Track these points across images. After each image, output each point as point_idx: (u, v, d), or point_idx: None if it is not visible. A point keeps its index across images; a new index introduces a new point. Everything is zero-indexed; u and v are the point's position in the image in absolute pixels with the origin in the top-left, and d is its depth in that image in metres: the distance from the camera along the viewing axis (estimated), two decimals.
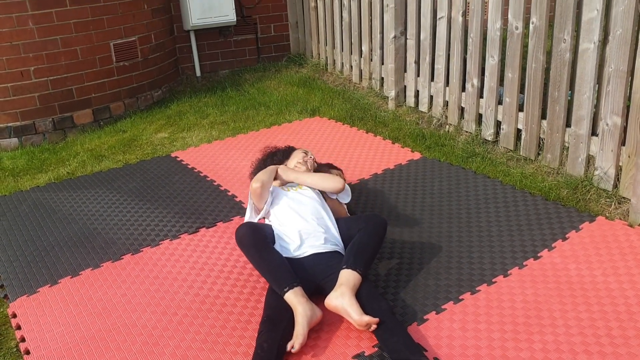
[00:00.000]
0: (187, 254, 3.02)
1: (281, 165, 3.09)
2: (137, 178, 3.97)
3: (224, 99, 5.53)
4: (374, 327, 2.26)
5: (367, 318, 2.25)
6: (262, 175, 2.89)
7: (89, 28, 4.90)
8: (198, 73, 6.28)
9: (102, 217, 3.46)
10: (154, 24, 5.51)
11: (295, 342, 2.24)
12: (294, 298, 2.36)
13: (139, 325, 2.49)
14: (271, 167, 3.01)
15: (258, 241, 2.59)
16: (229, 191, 3.68)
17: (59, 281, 2.85)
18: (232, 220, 3.32)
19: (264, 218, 2.96)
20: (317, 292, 2.52)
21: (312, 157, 3.21)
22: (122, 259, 3.01)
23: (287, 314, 2.35)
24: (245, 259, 2.91)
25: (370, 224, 2.69)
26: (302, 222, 2.74)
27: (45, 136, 4.89)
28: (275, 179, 3.00)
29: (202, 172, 3.99)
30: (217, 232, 3.20)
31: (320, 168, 3.26)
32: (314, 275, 2.56)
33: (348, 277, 2.41)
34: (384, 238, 2.71)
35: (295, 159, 3.18)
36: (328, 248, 2.68)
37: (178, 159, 4.24)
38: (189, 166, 4.10)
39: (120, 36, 5.15)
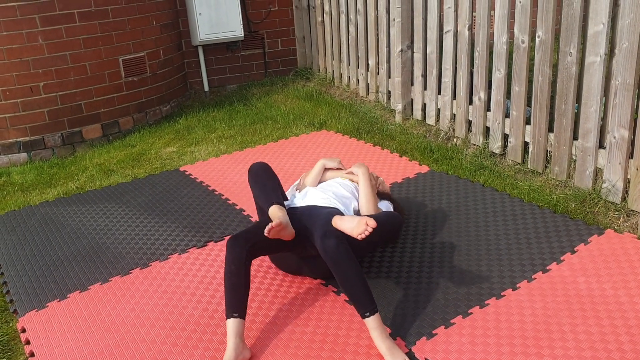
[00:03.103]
0: (196, 267, 3.02)
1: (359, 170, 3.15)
2: (145, 192, 3.99)
3: (232, 113, 5.56)
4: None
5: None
6: (308, 180, 3.14)
7: (98, 44, 4.95)
8: (206, 88, 6.32)
9: (111, 231, 3.48)
10: (162, 39, 5.56)
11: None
12: (276, 211, 2.57)
13: (147, 340, 2.50)
14: (318, 168, 3.20)
15: (268, 173, 2.80)
16: (237, 205, 3.69)
17: (68, 296, 2.86)
18: None
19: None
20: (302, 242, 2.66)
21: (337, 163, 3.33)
22: (131, 273, 3.02)
23: (256, 237, 2.52)
24: (253, 273, 2.92)
25: (386, 212, 2.81)
26: (323, 195, 2.87)
27: (54, 151, 4.92)
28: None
29: (210, 186, 4.00)
30: (225, 246, 3.21)
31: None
32: (301, 219, 2.68)
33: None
34: (398, 231, 2.80)
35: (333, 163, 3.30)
36: (329, 203, 2.81)
37: (187, 173, 4.26)
38: (198, 180, 4.12)
39: (129, 52, 5.19)
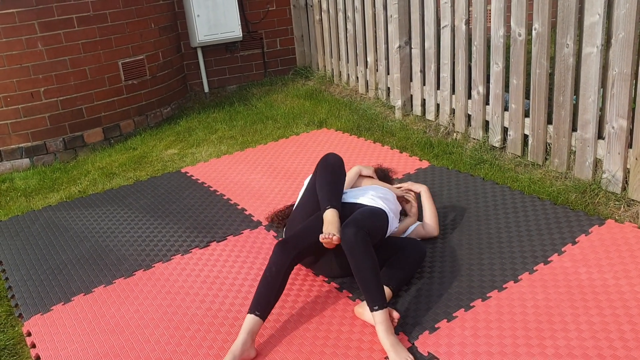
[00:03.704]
0: (199, 268, 3.04)
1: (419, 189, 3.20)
2: (147, 194, 4.01)
3: (232, 114, 5.58)
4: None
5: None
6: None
7: (97, 48, 4.97)
8: (206, 89, 6.34)
9: (114, 234, 3.50)
10: (161, 42, 5.58)
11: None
12: (331, 217, 2.56)
13: (152, 341, 2.51)
14: (354, 173, 3.19)
15: (342, 170, 2.79)
16: (238, 205, 3.71)
17: (72, 299, 2.88)
18: (242, 233, 3.35)
19: None
20: None
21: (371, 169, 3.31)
22: (134, 275, 3.04)
23: (304, 243, 2.53)
24: (255, 272, 2.94)
25: (410, 247, 2.78)
26: (371, 199, 2.86)
27: (57, 156, 4.94)
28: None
29: (212, 187, 4.02)
30: (228, 246, 3.23)
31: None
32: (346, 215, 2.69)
33: None
34: (421, 264, 2.81)
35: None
36: (377, 204, 2.79)
37: (188, 175, 4.28)
38: (199, 181, 4.14)
39: (128, 55, 5.21)
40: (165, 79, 5.69)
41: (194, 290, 2.86)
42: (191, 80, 6.32)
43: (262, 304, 2.40)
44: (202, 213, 3.65)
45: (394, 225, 2.84)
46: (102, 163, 4.74)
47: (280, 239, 2.61)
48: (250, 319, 2.37)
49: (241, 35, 6.11)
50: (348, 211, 2.73)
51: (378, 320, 2.34)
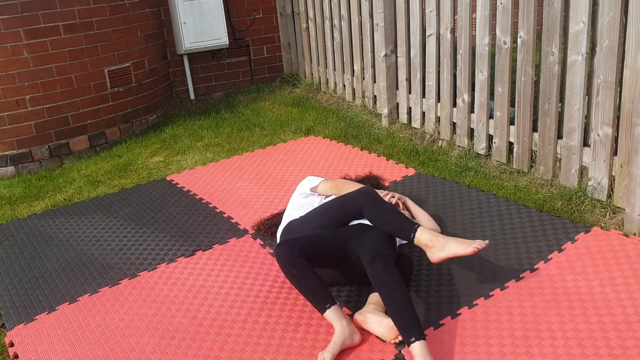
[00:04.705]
0: (184, 277, 3.02)
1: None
2: (133, 202, 3.98)
3: (219, 121, 5.56)
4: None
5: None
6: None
7: (84, 55, 4.94)
8: (192, 96, 6.32)
9: (99, 242, 3.47)
10: (147, 49, 5.56)
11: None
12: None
13: (137, 349, 2.49)
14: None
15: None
16: (224, 213, 3.69)
17: (57, 308, 2.85)
18: (228, 242, 3.33)
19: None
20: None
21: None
22: (120, 283, 3.01)
23: (308, 240, 2.59)
24: (241, 280, 2.92)
25: (401, 262, 2.76)
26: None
27: (42, 163, 4.90)
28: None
29: (197, 195, 4.00)
30: (214, 255, 3.21)
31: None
32: (348, 238, 2.66)
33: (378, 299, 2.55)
34: (410, 279, 2.79)
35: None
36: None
37: (173, 182, 4.26)
38: (185, 189, 4.12)
39: (114, 62, 5.19)
40: (151, 86, 5.67)
41: (179, 299, 2.83)
42: (177, 88, 6.30)
43: (321, 297, 2.46)
44: (187, 221, 3.63)
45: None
46: (88, 171, 4.71)
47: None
48: (330, 312, 2.42)
49: (227, 42, 6.10)
50: (354, 231, 2.69)
51: (417, 352, 2.18)
